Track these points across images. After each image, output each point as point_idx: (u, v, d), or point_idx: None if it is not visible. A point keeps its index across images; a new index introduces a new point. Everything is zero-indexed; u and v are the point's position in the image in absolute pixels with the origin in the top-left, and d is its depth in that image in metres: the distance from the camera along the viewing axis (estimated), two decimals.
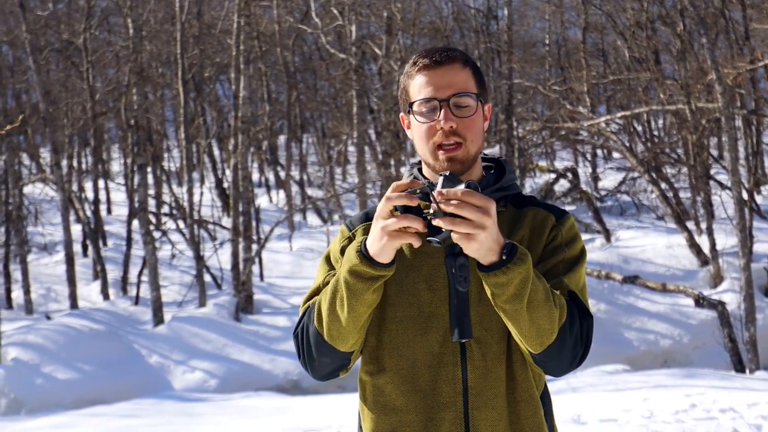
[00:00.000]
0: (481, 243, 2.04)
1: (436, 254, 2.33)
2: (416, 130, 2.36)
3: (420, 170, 2.47)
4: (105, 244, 24.46)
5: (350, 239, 2.43)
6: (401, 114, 2.46)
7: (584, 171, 26.85)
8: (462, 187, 2.03)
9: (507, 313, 2.15)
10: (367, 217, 2.46)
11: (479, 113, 2.36)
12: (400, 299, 2.34)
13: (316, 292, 2.40)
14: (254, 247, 19.02)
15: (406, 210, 2.08)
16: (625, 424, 8.09)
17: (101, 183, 26.94)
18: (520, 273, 2.09)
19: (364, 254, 2.15)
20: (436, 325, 2.31)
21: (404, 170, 2.51)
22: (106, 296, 20.23)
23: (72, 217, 22.89)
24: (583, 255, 2.39)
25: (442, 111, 2.30)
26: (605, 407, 8.67)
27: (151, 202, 23.72)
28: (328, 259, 2.46)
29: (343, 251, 2.40)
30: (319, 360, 2.33)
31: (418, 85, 2.35)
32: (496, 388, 2.31)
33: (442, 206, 2.01)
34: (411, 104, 2.36)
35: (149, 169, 22.20)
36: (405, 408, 2.33)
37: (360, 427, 2.45)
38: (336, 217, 25.60)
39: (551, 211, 2.42)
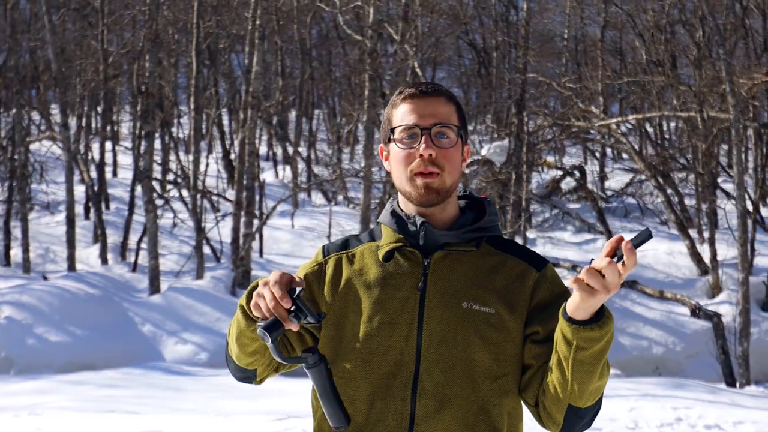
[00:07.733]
0: (599, 300, 2.08)
1: (403, 287, 2.31)
2: (395, 156, 2.36)
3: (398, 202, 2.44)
4: (108, 207, 24.40)
5: (320, 266, 2.43)
6: (380, 145, 2.44)
7: (592, 169, 26.74)
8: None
9: (583, 367, 2.15)
10: (344, 246, 2.45)
11: (458, 147, 2.35)
12: (365, 329, 2.30)
13: None
14: (255, 222, 19.00)
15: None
16: None
17: (108, 145, 26.88)
18: (610, 329, 2.14)
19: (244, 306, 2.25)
20: (391, 358, 2.28)
21: (388, 204, 2.46)
22: (104, 260, 20.21)
23: (76, 179, 22.85)
24: None
25: (423, 138, 2.30)
26: None
27: (157, 169, 23.69)
28: None
29: (309, 276, 2.43)
30: (228, 365, 2.45)
31: (401, 113, 2.35)
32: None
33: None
34: (393, 129, 2.36)
35: (157, 135, 22.14)
36: None
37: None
38: (340, 198, 25.53)
39: (531, 263, 2.38)
